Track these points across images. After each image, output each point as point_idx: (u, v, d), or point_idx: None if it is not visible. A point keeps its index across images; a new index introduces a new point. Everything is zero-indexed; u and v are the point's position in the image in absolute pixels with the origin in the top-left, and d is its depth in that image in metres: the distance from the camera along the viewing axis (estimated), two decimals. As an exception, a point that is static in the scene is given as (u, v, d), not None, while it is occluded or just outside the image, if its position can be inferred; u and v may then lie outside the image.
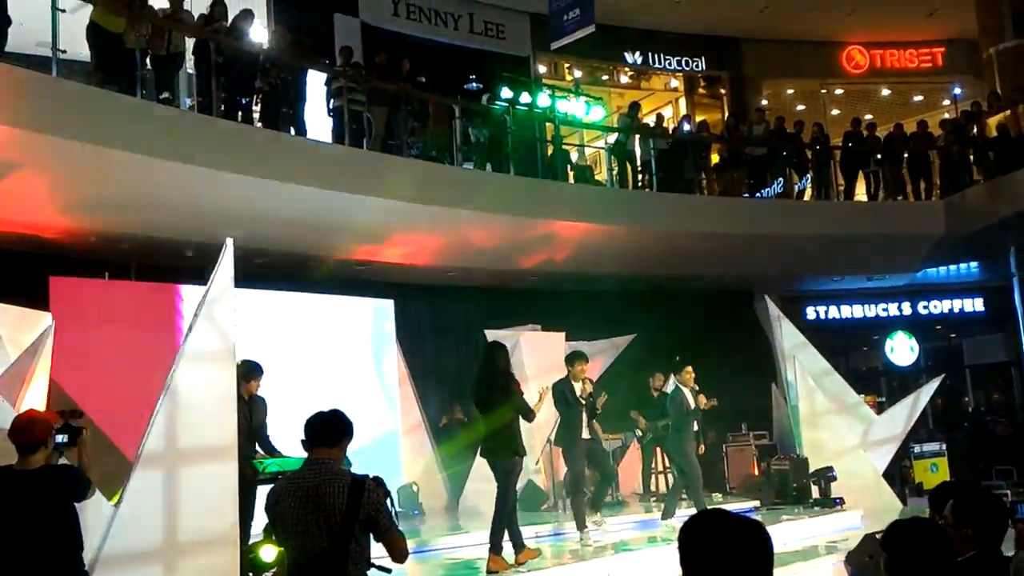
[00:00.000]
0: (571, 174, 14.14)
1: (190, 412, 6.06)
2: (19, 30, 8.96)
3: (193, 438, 6.05)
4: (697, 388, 10.09)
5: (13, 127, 7.64)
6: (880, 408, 13.47)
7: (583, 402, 8.80)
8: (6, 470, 4.99)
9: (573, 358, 8.97)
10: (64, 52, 8.97)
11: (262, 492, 7.14)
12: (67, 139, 7.99)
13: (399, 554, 3.87)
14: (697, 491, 9.79)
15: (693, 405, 9.94)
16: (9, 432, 5.06)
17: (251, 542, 6.42)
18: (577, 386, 8.81)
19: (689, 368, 10.16)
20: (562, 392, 8.78)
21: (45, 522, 4.89)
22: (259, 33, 12.28)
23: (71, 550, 5.00)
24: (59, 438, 5.21)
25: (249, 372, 7.30)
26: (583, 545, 8.58)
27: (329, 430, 3.95)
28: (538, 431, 11.46)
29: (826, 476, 11.19)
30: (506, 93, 14.42)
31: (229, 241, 6.79)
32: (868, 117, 16.96)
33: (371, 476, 3.89)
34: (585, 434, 8.88)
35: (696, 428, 10.33)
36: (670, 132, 15.47)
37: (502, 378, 7.63)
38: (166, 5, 10.32)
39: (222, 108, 10.09)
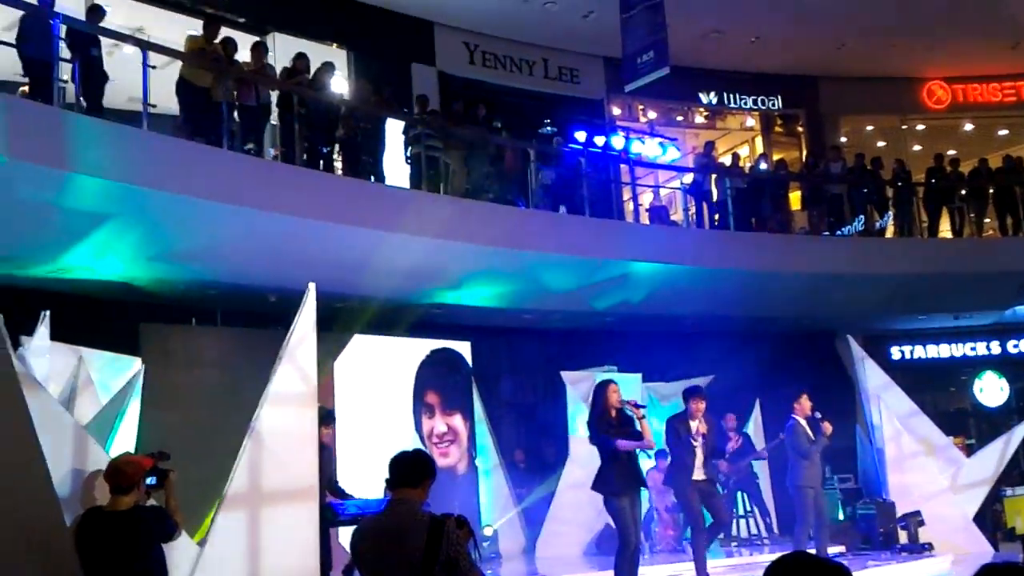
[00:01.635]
0: (645, 214, 14.15)
1: (273, 453, 6.20)
2: (112, 86, 9.40)
3: (276, 479, 6.18)
4: (818, 416, 9.77)
5: (105, 179, 7.97)
6: (969, 450, 13.07)
7: (695, 442, 8.49)
8: (97, 511, 5.17)
9: (689, 394, 8.67)
10: (154, 106, 9.36)
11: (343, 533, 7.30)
12: (156, 190, 8.30)
13: None
14: (800, 534, 9.50)
15: (814, 436, 9.66)
16: (105, 474, 5.25)
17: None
18: (693, 424, 8.66)
19: (805, 396, 9.88)
20: (675, 430, 8.54)
21: (134, 562, 5.05)
22: (340, 84, 12.65)
23: (158, 588, 5.15)
24: (148, 480, 5.39)
25: (322, 418, 7.40)
26: None
27: (412, 470, 3.98)
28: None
29: (914, 520, 10.87)
30: (580, 136, 14.56)
31: (311, 286, 6.98)
32: (951, 152, 16.63)
33: (455, 515, 3.90)
34: (698, 475, 8.49)
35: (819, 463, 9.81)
36: (746, 171, 15.38)
37: (597, 416, 7.64)
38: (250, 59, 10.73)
39: (304, 157, 10.39)
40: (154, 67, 9.25)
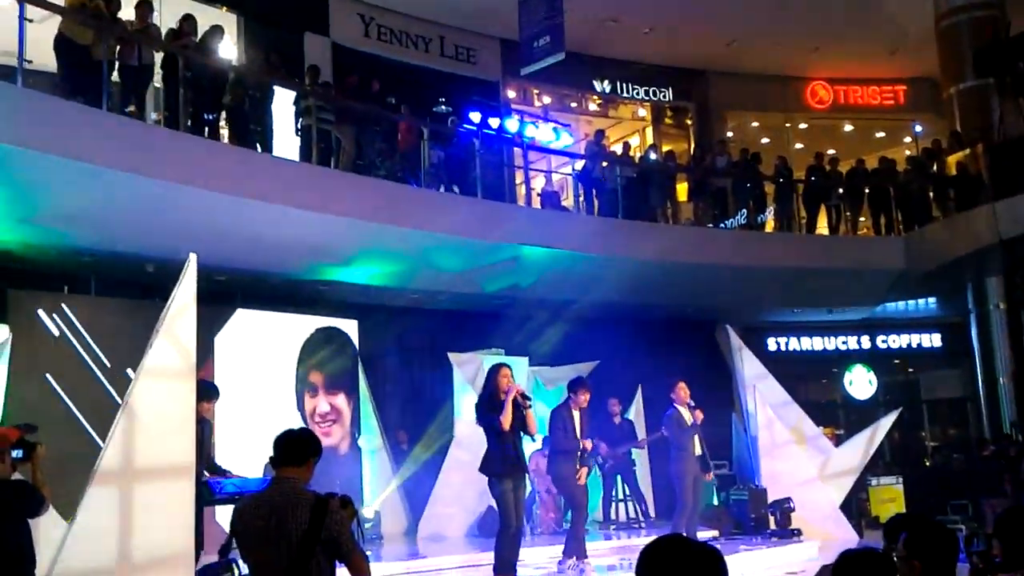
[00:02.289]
0: (537, 199, 14.21)
1: (148, 429, 5.97)
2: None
3: (150, 455, 5.96)
4: (693, 403, 10.04)
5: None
6: (838, 440, 13.59)
7: (578, 431, 8.63)
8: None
9: (577, 385, 8.86)
10: (30, 62, 8.87)
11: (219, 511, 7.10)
12: (30, 149, 7.88)
13: (358, 572, 3.85)
14: (678, 519, 9.75)
15: (691, 421, 9.92)
16: (-36, 446, 4.97)
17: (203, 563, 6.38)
18: (576, 414, 8.73)
19: (683, 384, 10.13)
20: (561, 419, 8.67)
21: (-3, 537, 4.79)
22: (228, 50, 12.25)
23: (23, 564, 4.90)
24: (14, 453, 5.13)
25: (204, 393, 7.14)
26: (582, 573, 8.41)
27: (297, 448, 3.95)
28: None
29: (784, 507, 11.25)
30: (475, 116, 14.49)
31: (192, 257, 6.73)
32: (831, 152, 17.22)
33: (339, 495, 3.88)
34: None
35: (700, 451, 10.11)
36: (636, 161, 15.59)
37: (487, 398, 7.73)
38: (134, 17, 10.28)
39: (188, 123, 10.03)
40: (31, 20, 8.76)
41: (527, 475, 7.94)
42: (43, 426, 5.61)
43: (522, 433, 7.73)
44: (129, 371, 6.64)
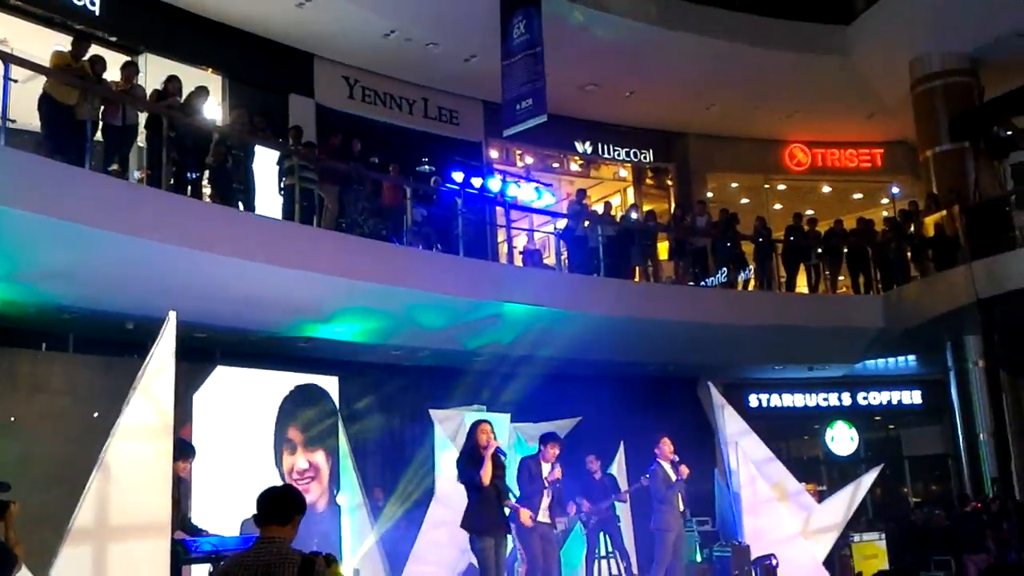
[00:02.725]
0: (519, 257, 14.30)
1: (124, 487, 5.93)
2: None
3: (126, 514, 5.91)
4: (677, 459, 10.07)
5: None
6: (821, 496, 13.54)
7: (546, 484, 8.67)
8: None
9: (548, 440, 8.92)
10: (14, 122, 8.97)
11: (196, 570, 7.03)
12: (11, 208, 7.92)
13: None
14: (655, 574, 9.71)
15: (675, 477, 9.91)
16: (-62, 504, 4.94)
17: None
18: (545, 467, 8.72)
19: (666, 439, 10.17)
20: (528, 469, 8.71)
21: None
22: (213, 110, 12.39)
23: (-9, 627, 4.84)
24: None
25: (181, 452, 7.09)
26: None
27: (281, 507, 3.92)
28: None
29: (766, 564, 11.16)
30: (458, 176, 14.65)
31: (172, 314, 6.75)
32: (809, 212, 17.46)
33: (323, 554, 3.89)
34: (542, 515, 8.68)
35: (682, 508, 10.17)
36: (617, 219, 15.75)
37: (467, 454, 7.80)
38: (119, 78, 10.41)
39: (171, 182, 10.11)
40: (15, 81, 8.88)
41: (509, 532, 7.90)
42: (17, 484, 5.55)
43: (500, 489, 7.72)
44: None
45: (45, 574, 5.50)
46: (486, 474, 7.58)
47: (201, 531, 7.31)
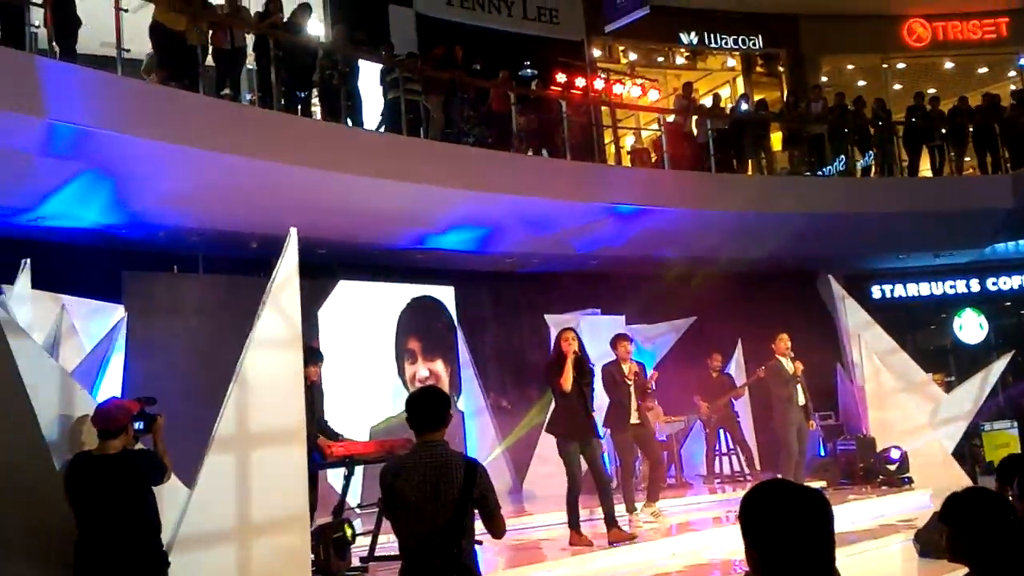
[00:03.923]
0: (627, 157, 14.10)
1: (260, 397, 6.20)
2: (85, 31, 9.22)
3: (263, 422, 6.19)
4: (793, 355, 10.15)
5: (82, 126, 7.87)
6: (949, 387, 13.26)
7: (629, 383, 8.77)
8: (86, 455, 5.19)
9: (616, 339, 8.98)
10: (128, 51, 9.21)
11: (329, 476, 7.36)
12: (133, 136, 8.20)
13: (500, 532, 4.21)
14: (783, 465, 9.78)
15: (792, 372, 10.01)
16: (92, 418, 5.26)
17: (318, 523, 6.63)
18: (624, 367, 8.80)
19: (784, 335, 10.22)
20: (610, 374, 8.79)
21: (124, 505, 5.07)
22: (315, 27, 12.47)
23: (150, 532, 5.18)
24: (136, 425, 5.40)
25: (309, 357, 7.33)
26: (635, 526, 8.53)
27: (439, 411, 4.13)
28: (600, 413, 11.52)
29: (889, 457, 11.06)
30: (561, 77, 14.44)
31: (293, 231, 6.92)
32: (931, 91, 16.61)
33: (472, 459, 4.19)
34: (634, 418, 8.79)
35: (804, 401, 10.28)
36: (727, 112, 15.33)
37: (551, 362, 7.98)
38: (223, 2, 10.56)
39: (281, 102, 10.27)
40: (126, 10, 9.09)
41: (595, 436, 8.06)
42: (161, 399, 5.87)
43: (587, 395, 7.91)
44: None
45: (193, 481, 5.83)
46: (566, 380, 7.73)
47: (337, 435, 7.63)
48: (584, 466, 8.05)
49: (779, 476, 9.56)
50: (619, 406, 8.74)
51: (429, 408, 4.13)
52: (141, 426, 5.45)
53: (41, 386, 5.39)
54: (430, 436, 4.08)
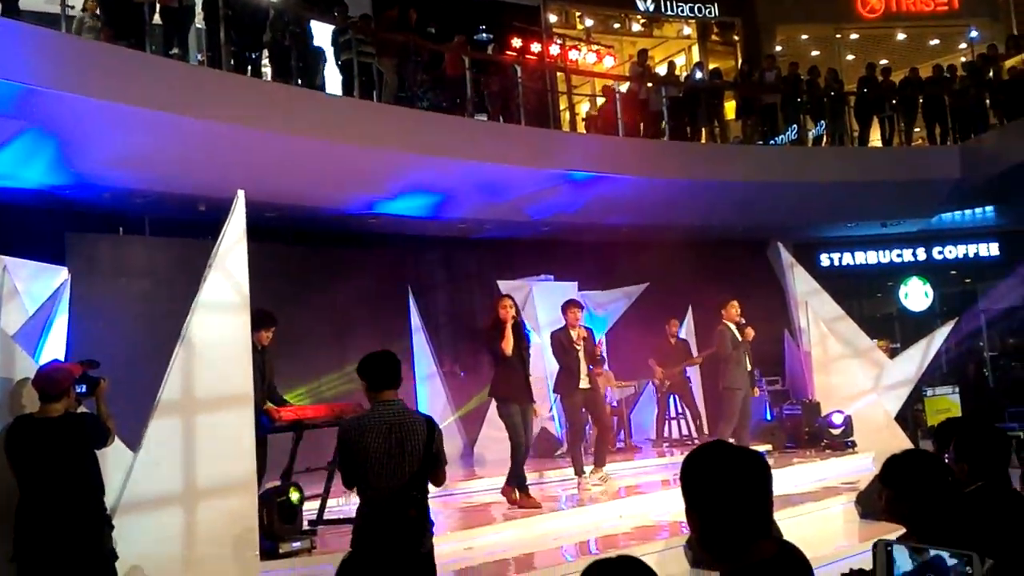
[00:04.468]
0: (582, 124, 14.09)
1: (206, 360, 6.15)
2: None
3: (209, 386, 6.15)
4: (743, 321, 10.26)
5: (23, 84, 7.69)
6: (893, 353, 13.48)
7: (578, 349, 8.84)
8: (28, 418, 5.13)
9: (567, 305, 9.05)
10: (72, 8, 9.00)
11: (276, 440, 7.34)
12: (78, 95, 8.04)
13: (442, 482, 4.48)
14: (723, 429, 9.94)
15: (740, 338, 10.13)
16: (34, 381, 5.20)
17: (267, 487, 6.62)
18: (573, 333, 8.88)
19: (734, 302, 10.33)
20: (559, 340, 8.87)
21: (66, 468, 5.03)
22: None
23: (93, 494, 5.15)
24: (79, 388, 5.34)
25: (260, 321, 7.26)
26: (583, 490, 8.69)
27: (393, 371, 4.38)
28: (551, 380, 11.60)
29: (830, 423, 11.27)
30: (516, 43, 14.35)
31: (240, 193, 6.84)
32: (883, 62, 16.78)
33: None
34: (584, 383, 8.88)
35: (749, 367, 10.40)
36: (682, 80, 15.36)
37: (489, 327, 8.20)
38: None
39: (231, 62, 10.11)
40: (71, -34, 8.87)
41: (532, 401, 8.25)
42: (105, 362, 5.81)
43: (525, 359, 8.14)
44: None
45: (136, 445, 5.79)
46: (507, 344, 7.94)
47: (285, 401, 7.60)
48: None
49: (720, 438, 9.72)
50: (568, 371, 8.82)
51: (385, 368, 4.34)
52: (83, 389, 5.40)
53: (-22, 348, 5.31)
54: (387, 395, 4.29)
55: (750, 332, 10.20)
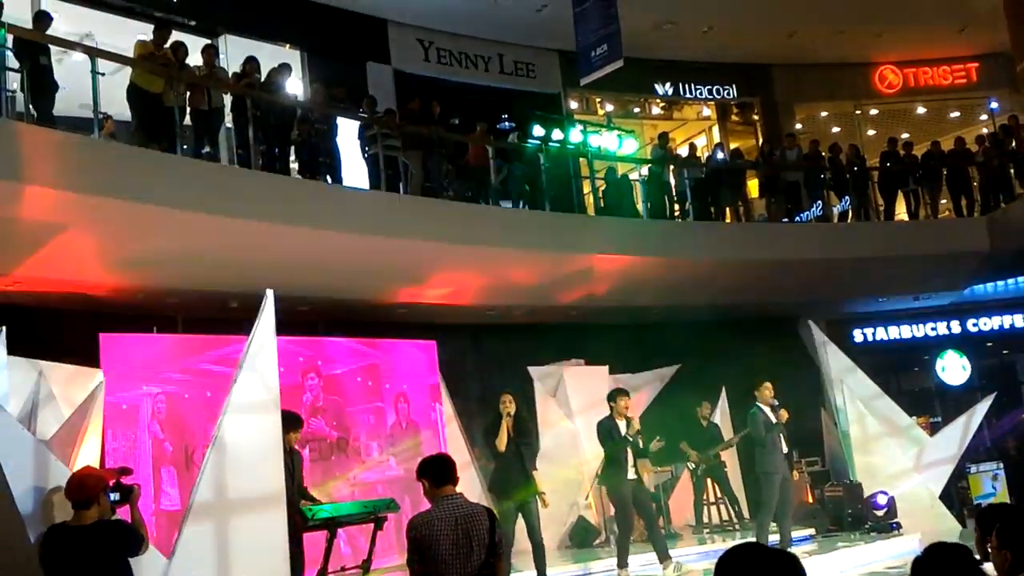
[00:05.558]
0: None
1: (238, 462, 6.13)
2: (63, 94, 9.25)
3: (242, 488, 6.12)
4: (776, 403, 9.96)
5: (59, 190, 7.84)
6: (934, 429, 13.24)
7: (628, 439, 8.75)
8: (61, 527, 5.10)
9: (615, 394, 9.01)
10: (105, 114, 9.23)
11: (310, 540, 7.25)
12: (112, 198, 8.18)
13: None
14: (763, 518, 9.67)
15: (775, 420, 9.85)
16: (66, 490, 5.18)
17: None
18: (621, 424, 8.79)
19: (768, 384, 10.04)
20: (607, 430, 8.79)
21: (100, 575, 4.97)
22: (294, 85, 12.54)
23: (126, 603, 5.07)
24: (112, 496, 5.30)
25: (289, 424, 7.28)
26: None
27: (451, 469, 4.68)
28: (587, 465, 11.45)
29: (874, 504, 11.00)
30: (538, 131, 14.56)
31: (269, 293, 6.92)
32: (905, 136, 16.84)
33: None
34: (631, 474, 8.78)
35: (786, 449, 10.02)
36: (703, 161, 15.47)
37: (489, 424, 8.61)
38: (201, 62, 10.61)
39: (259, 161, 10.29)
40: (103, 74, 9.10)
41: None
42: (138, 464, 5.80)
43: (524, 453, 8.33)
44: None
45: (172, 549, 5.73)
46: (500, 441, 8.22)
47: (316, 500, 7.52)
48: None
49: (760, 527, 9.52)
50: (615, 462, 8.77)
51: (445, 466, 4.66)
52: (117, 497, 5.36)
53: (15, 458, 5.31)
54: (448, 489, 4.56)
55: (784, 414, 9.95)
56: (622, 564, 8.74)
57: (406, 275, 11.31)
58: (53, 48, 9.33)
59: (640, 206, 14.00)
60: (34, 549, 5.05)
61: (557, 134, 15.02)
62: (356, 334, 11.89)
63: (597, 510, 11.79)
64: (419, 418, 11.31)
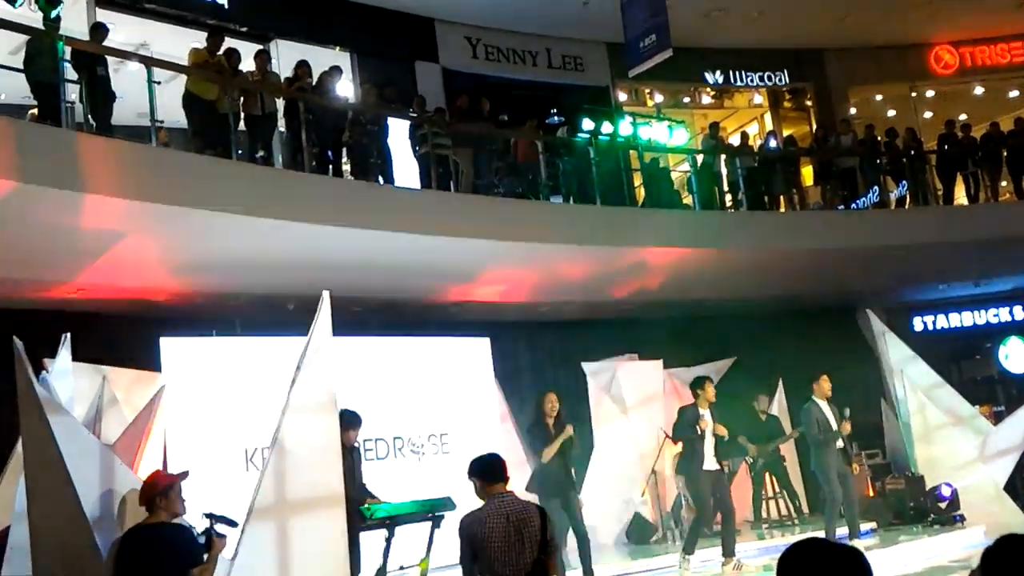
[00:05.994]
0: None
1: (298, 463, 6.22)
2: (120, 103, 9.47)
3: (302, 488, 6.21)
4: (838, 410, 9.76)
5: (119, 198, 8.01)
6: (998, 418, 12.97)
7: (704, 430, 8.71)
8: (136, 528, 5.19)
9: (702, 381, 8.99)
10: (162, 122, 9.40)
11: (368, 537, 7.33)
12: (170, 205, 8.34)
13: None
14: (831, 512, 9.54)
15: (829, 416, 9.64)
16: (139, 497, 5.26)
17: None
18: (705, 412, 8.75)
19: (825, 377, 9.87)
20: (687, 419, 8.78)
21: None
22: (344, 87, 12.66)
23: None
24: (199, 539, 5.24)
25: (348, 422, 7.36)
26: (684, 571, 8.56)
27: (502, 467, 4.80)
28: (642, 461, 11.42)
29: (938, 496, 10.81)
30: (588, 124, 14.52)
31: (325, 294, 7.00)
32: (963, 117, 16.49)
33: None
34: (708, 464, 8.74)
35: (841, 444, 9.81)
36: (755, 150, 15.29)
37: (532, 424, 8.63)
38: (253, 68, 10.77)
39: (313, 163, 10.41)
40: (159, 83, 9.29)
41: (573, 489, 8.47)
42: (200, 465, 5.91)
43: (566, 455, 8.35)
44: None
45: (233, 551, 5.82)
46: (548, 454, 8.20)
47: (375, 498, 7.60)
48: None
49: (830, 523, 9.41)
50: (693, 452, 8.78)
51: (495, 464, 4.75)
52: (202, 541, 5.27)
53: (81, 463, 5.45)
54: (499, 487, 4.63)
55: (847, 427, 9.70)
56: (689, 551, 8.75)
57: (458, 273, 11.37)
58: (110, 59, 9.53)
59: (688, 198, 13.89)
60: (112, 553, 5.14)
61: (607, 127, 14.96)
62: (409, 333, 11.99)
63: (653, 506, 11.75)
64: (472, 416, 11.32)
